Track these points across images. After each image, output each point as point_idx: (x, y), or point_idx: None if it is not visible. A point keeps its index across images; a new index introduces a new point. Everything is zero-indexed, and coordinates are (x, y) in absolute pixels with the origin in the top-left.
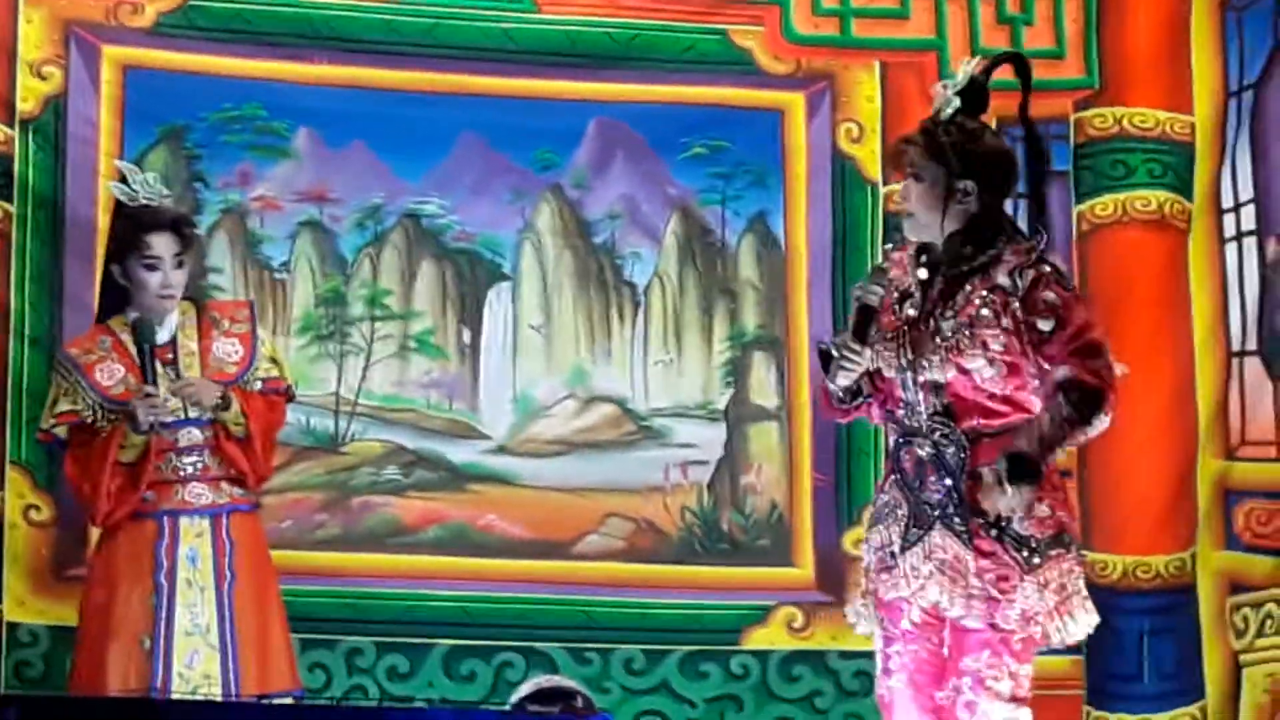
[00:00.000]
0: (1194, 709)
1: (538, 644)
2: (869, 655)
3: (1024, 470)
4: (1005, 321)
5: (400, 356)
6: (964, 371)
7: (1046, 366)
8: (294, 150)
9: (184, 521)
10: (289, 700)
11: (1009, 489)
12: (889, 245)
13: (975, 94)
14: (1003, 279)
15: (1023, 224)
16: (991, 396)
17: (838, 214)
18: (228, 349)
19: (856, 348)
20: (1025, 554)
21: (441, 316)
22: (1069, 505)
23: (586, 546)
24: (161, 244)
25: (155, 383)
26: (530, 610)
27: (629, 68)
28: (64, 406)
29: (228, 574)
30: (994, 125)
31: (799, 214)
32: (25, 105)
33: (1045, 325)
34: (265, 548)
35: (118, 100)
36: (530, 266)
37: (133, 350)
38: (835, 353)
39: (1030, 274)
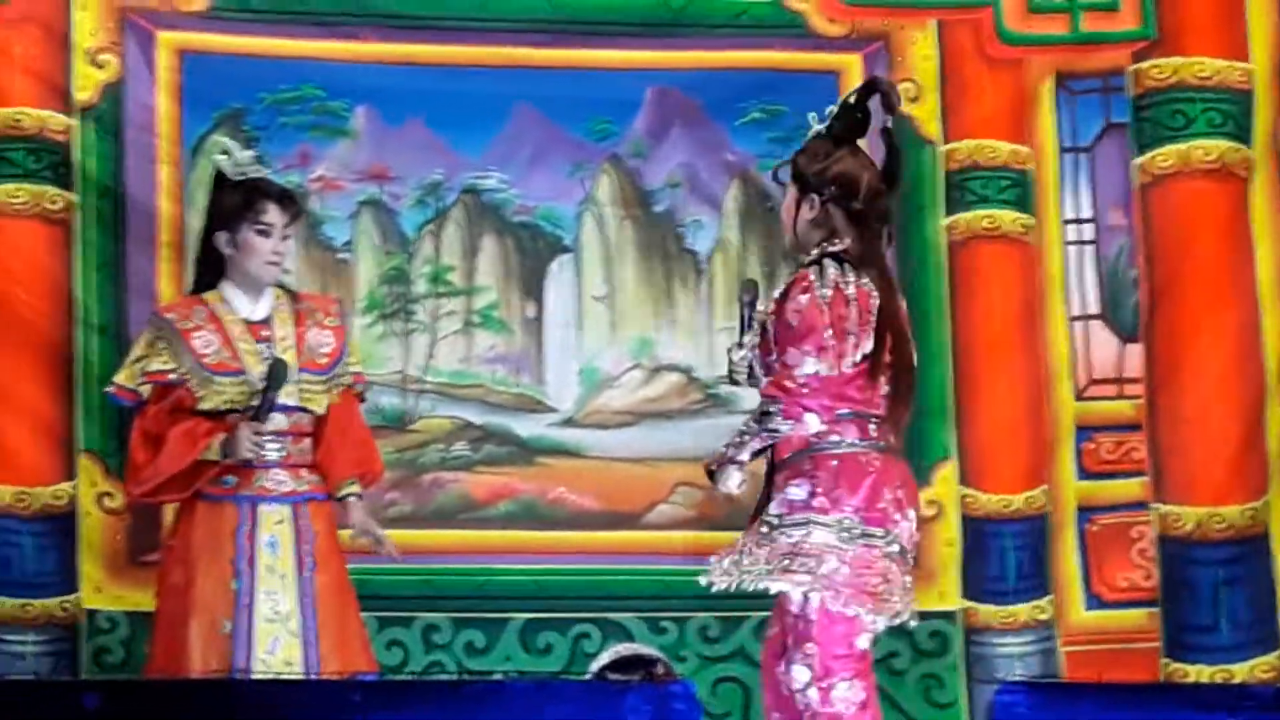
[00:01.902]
0: (1272, 658)
1: (613, 615)
2: (945, 616)
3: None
4: (768, 323)
5: (465, 332)
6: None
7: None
8: (353, 129)
9: (264, 508)
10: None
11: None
12: None
13: (843, 121)
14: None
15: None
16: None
17: None
18: (322, 339)
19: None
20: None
21: (505, 291)
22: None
23: (657, 516)
24: (273, 212)
25: (265, 421)
26: (604, 581)
27: (683, 34)
28: (156, 366)
29: (308, 561)
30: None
31: None
32: (83, 94)
33: (791, 320)
34: (337, 534)
35: (175, 85)
36: (591, 238)
37: (228, 324)
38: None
39: (794, 277)
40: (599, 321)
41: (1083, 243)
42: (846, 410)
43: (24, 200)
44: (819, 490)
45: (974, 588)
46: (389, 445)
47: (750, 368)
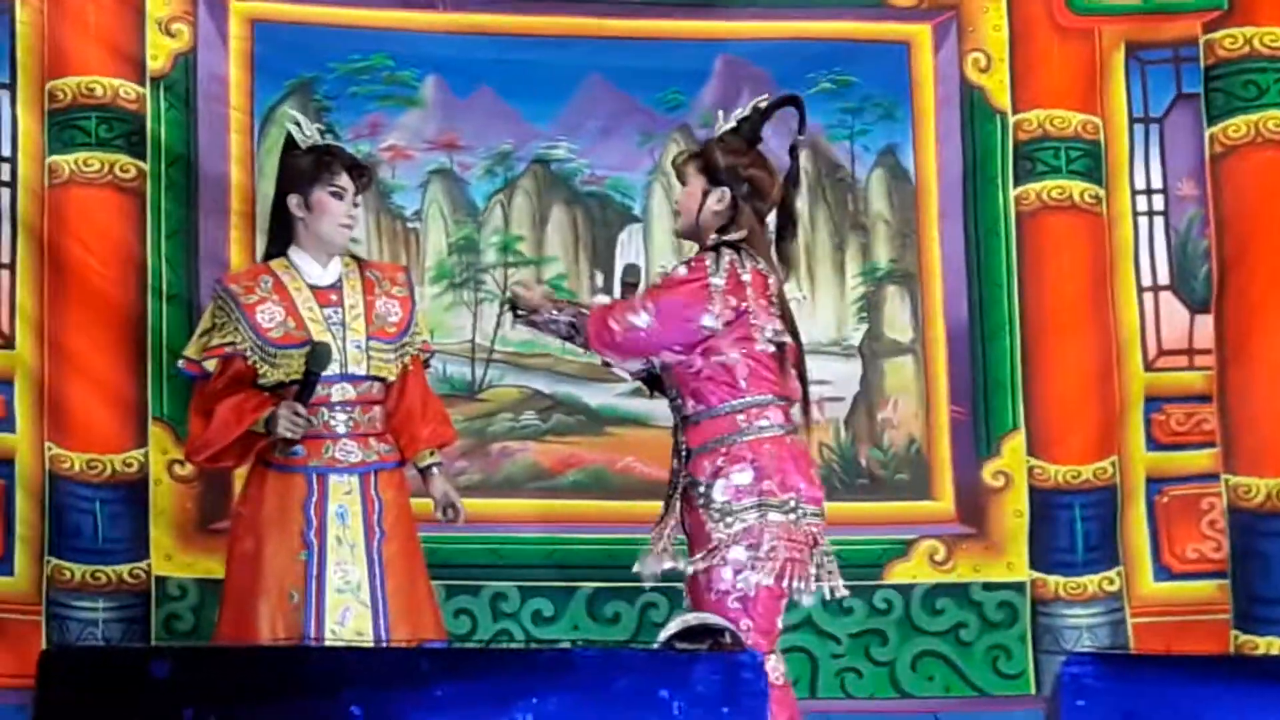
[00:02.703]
0: None
1: (680, 584)
2: (1013, 587)
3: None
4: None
5: None
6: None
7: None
8: (422, 99)
9: (333, 479)
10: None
11: None
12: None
13: (752, 124)
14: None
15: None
16: (689, 379)
17: (967, 145)
18: (390, 308)
19: None
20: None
21: (574, 261)
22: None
23: None
24: (345, 178)
25: (307, 402)
26: None
27: (753, 5)
28: (217, 340)
29: (377, 531)
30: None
31: (928, 146)
32: (155, 63)
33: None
34: (409, 502)
35: (246, 55)
36: (661, 207)
37: (293, 292)
38: None
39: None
40: None
41: (1153, 213)
42: (769, 396)
43: (97, 169)
44: (764, 474)
45: (1042, 559)
46: (458, 414)
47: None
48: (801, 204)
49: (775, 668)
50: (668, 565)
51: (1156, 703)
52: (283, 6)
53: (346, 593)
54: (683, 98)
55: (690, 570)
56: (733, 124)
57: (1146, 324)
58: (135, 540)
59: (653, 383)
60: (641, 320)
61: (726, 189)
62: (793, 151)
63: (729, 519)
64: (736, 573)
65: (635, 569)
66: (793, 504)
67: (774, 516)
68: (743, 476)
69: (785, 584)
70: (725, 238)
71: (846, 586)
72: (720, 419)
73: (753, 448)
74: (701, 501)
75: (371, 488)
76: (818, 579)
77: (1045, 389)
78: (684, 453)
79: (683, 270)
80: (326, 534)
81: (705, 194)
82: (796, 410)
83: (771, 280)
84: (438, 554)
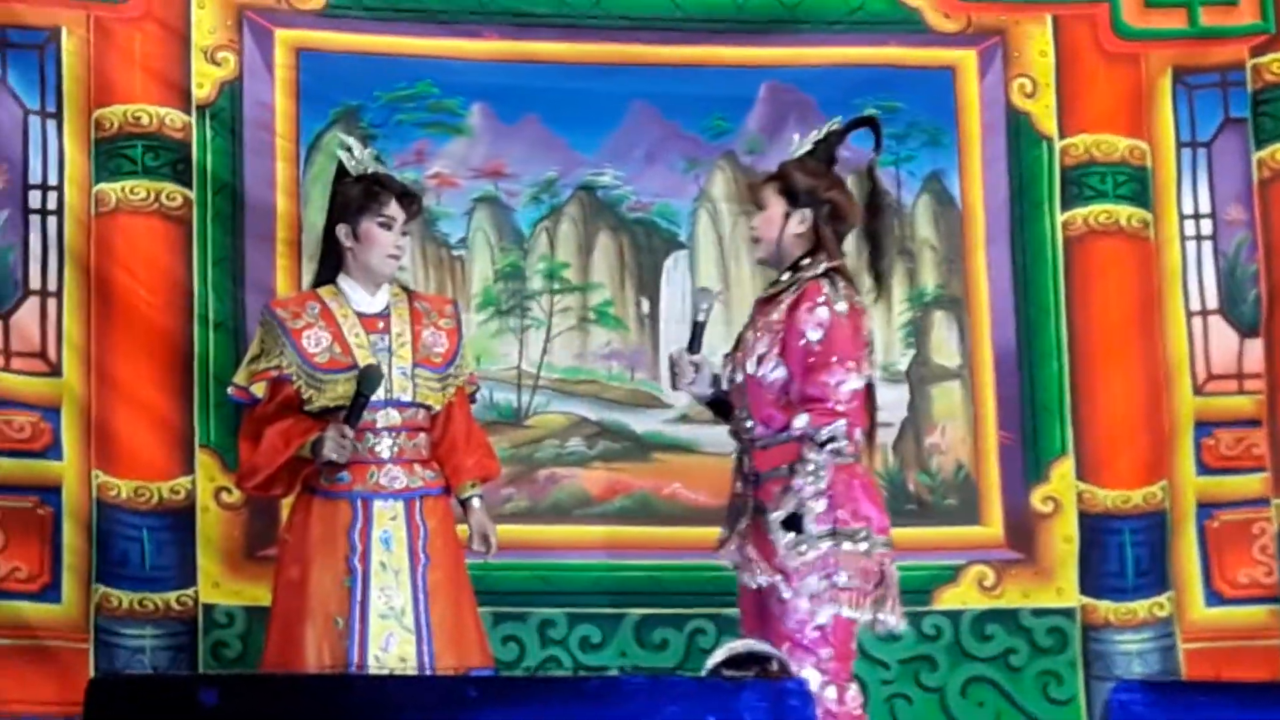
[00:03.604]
0: None
1: (728, 610)
2: (1063, 613)
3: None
4: (775, 330)
5: (580, 329)
6: (749, 376)
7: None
8: (468, 127)
9: (377, 505)
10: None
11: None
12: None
13: (828, 147)
14: (790, 292)
15: None
16: (766, 403)
17: (1013, 170)
18: (437, 339)
19: (683, 359)
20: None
21: (620, 287)
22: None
23: None
24: (394, 206)
25: (355, 425)
26: (719, 577)
27: (797, 31)
28: (265, 365)
29: (422, 557)
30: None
31: (974, 172)
32: (201, 91)
33: (812, 335)
34: (454, 528)
35: (292, 83)
36: (706, 234)
37: (340, 319)
38: (670, 361)
39: (803, 287)
40: (714, 317)
41: (1201, 238)
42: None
43: (143, 197)
44: (837, 503)
45: (1092, 584)
46: (504, 441)
47: (719, 376)
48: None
49: (855, 697)
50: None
51: None
52: (328, 35)
53: (390, 618)
54: (728, 124)
55: (755, 587)
56: (809, 146)
57: (1195, 348)
58: (183, 567)
59: (718, 409)
60: (853, 383)
61: (808, 210)
62: (870, 173)
63: (802, 547)
64: (813, 602)
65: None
66: (864, 534)
67: (847, 546)
68: (817, 505)
69: (858, 614)
70: (829, 264)
71: None
72: (791, 444)
73: (811, 474)
74: (772, 528)
75: (416, 514)
76: (879, 611)
77: (1094, 414)
78: (751, 477)
79: (822, 314)
80: (371, 559)
81: (786, 217)
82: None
83: (865, 313)
84: (485, 580)
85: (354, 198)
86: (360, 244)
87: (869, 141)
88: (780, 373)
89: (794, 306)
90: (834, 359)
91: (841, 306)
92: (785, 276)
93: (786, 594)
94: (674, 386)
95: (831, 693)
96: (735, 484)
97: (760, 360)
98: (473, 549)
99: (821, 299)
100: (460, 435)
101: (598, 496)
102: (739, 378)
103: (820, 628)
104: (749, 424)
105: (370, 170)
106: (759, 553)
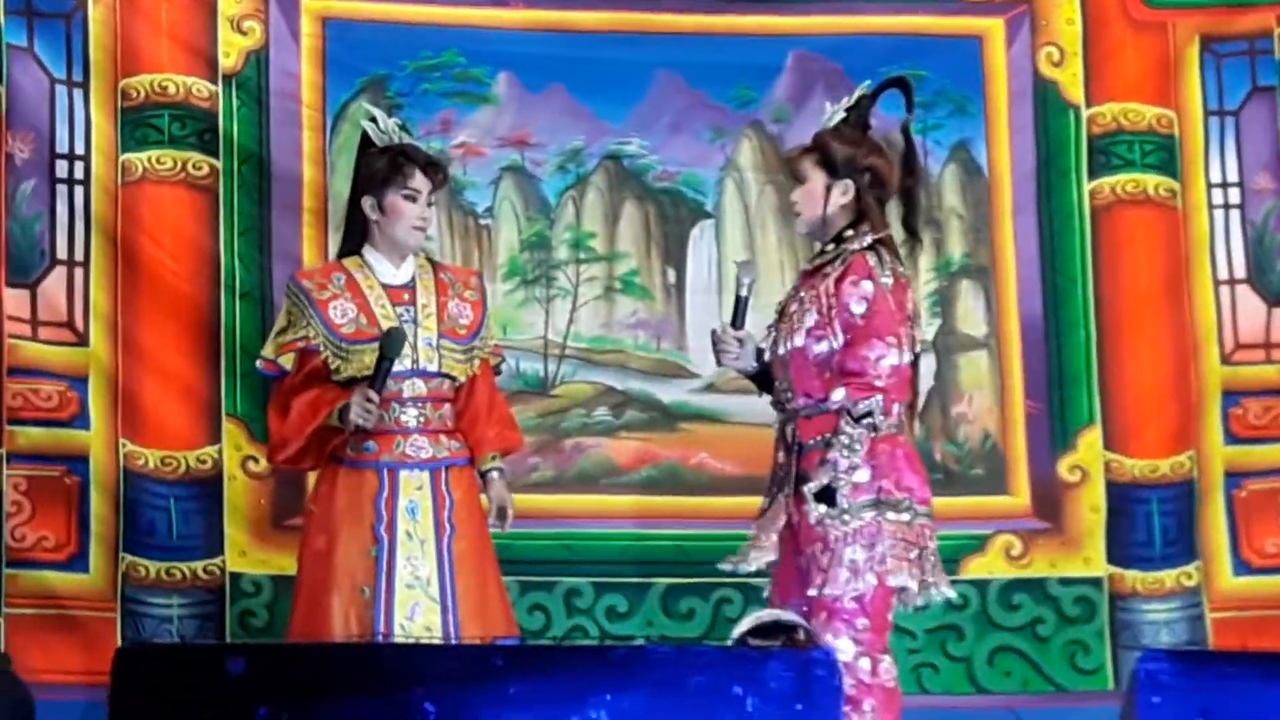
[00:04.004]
0: None
1: (754, 580)
2: (1090, 582)
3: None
4: (822, 303)
5: (606, 298)
6: (794, 349)
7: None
8: (494, 96)
9: (404, 474)
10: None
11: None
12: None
13: (860, 112)
14: (836, 265)
15: None
16: (811, 375)
17: (1040, 139)
18: (462, 310)
19: (727, 334)
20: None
21: (646, 257)
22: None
23: None
24: (419, 178)
25: (381, 390)
26: None
27: None
28: (292, 336)
29: (447, 527)
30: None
31: (1001, 141)
32: (227, 60)
33: (856, 309)
34: (480, 501)
35: (318, 52)
36: (732, 203)
37: (366, 289)
38: (712, 335)
39: (849, 259)
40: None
41: (1229, 206)
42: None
43: (170, 167)
44: (880, 473)
45: (1120, 554)
46: (531, 410)
47: (762, 350)
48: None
49: (889, 669)
50: (770, 559)
51: (1232, 699)
52: (354, 4)
53: (416, 588)
54: (754, 94)
55: (798, 555)
56: (842, 113)
57: (1223, 317)
58: (209, 537)
59: (760, 381)
60: (893, 358)
61: (850, 181)
62: (905, 132)
63: (845, 517)
64: (853, 572)
65: (731, 563)
66: (907, 504)
67: (890, 516)
68: (860, 475)
69: (898, 584)
70: (875, 236)
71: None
72: (830, 415)
73: (869, 445)
74: (806, 499)
75: (442, 484)
76: (925, 583)
77: (1121, 383)
78: (795, 447)
79: (867, 286)
80: (397, 529)
81: (828, 189)
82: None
83: (909, 286)
84: (511, 550)
85: (379, 170)
86: (385, 216)
87: (897, 106)
88: (825, 346)
89: (840, 279)
90: (875, 334)
91: (886, 280)
92: (830, 248)
93: (825, 562)
94: (718, 363)
95: (865, 664)
96: (778, 454)
97: (808, 333)
98: (490, 522)
99: (866, 273)
100: (483, 407)
101: (624, 466)
102: (783, 350)
103: (858, 597)
104: (790, 395)
105: (395, 141)
106: (794, 524)
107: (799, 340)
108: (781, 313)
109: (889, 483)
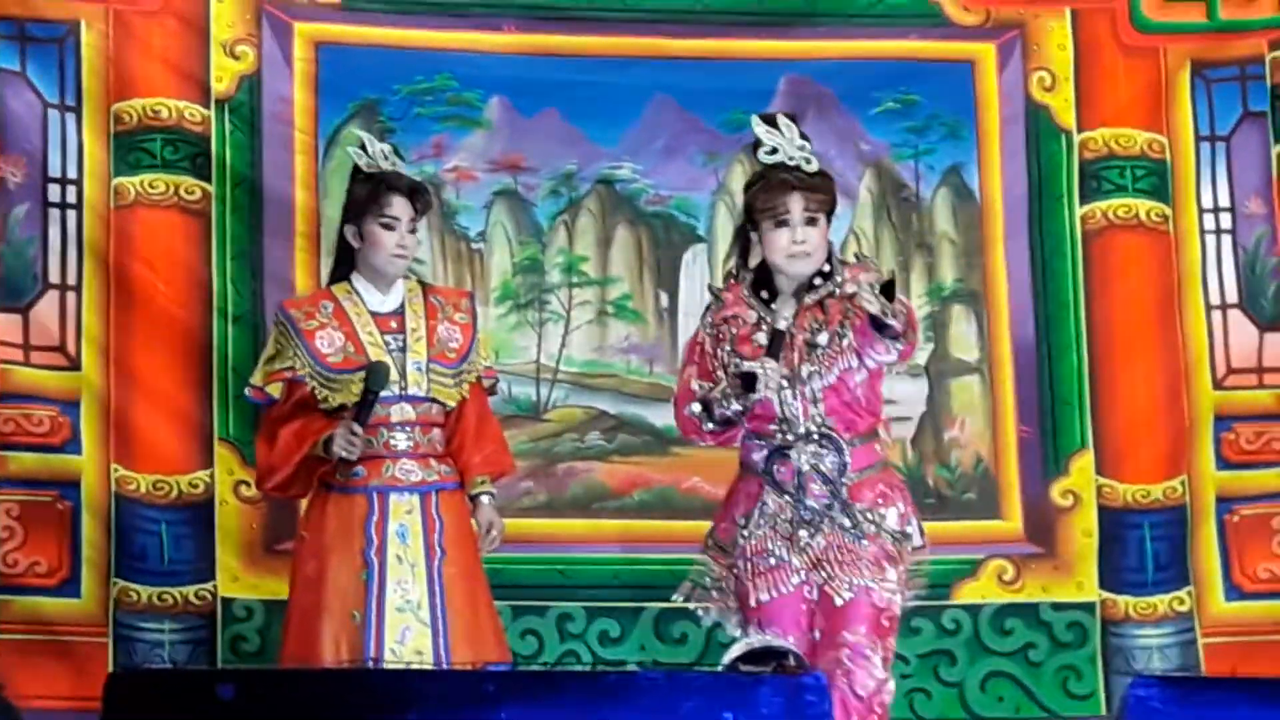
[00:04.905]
0: None
1: None
2: (1082, 607)
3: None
4: (857, 322)
5: (599, 322)
6: (841, 377)
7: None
8: (487, 120)
9: (393, 498)
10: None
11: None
12: (718, 286)
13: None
14: (850, 288)
15: None
16: (857, 400)
17: (1032, 164)
18: (452, 333)
19: (770, 368)
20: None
21: (638, 281)
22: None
23: None
24: (399, 206)
25: (365, 422)
26: None
27: (817, 24)
28: (279, 366)
29: (437, 550)
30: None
31: (993, 165)
32: (220, 85)
33: (896, 324)
34: (470, 525)
35: (311, 76)
36: (725, 228)
37: (354, 317)
38: (761, 371)
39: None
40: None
41: (1220, 231)
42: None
43: (162, 191)
44: (907, 501)
45: (1112, 579)
46: (523, 434)
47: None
48: (868, 224)
49: (891, 691)
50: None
51: None
52: (346, 28)
53: (406, 611)
54: (747, 118)
55: (840, 601)
56: (816, 165)
57: (1215, 342)
58: (201, 561)
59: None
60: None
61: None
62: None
63: (902, 542)
64: (890, 594)
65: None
66: (910, 531)
67: (911, 542)
68: (904, 504)
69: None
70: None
71: (915, 607)
72: (869, 445)
73: (892, 476)
74: (873, 529)
75: (432, 507)
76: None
77: (1113, 408)
78: (833, 482)
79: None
80: (387, 552)
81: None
82: None
83: None
84: (504, 574)
85: (359, 198)
86: (365, 245)
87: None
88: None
89: (853, 298)
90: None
91: None
92: (819, 281)
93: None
94: (753, 394)
95: (892, 685)
96: (786, 492)
97: (857, 354)
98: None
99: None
100: (470, 432)
101: (616, 490)
102: (830, 378)
103: (891, 619)
104: (823, 423)
105: (380, 167)
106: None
107: (852, 361)
108: (806, 344)
109: (909, 510)
